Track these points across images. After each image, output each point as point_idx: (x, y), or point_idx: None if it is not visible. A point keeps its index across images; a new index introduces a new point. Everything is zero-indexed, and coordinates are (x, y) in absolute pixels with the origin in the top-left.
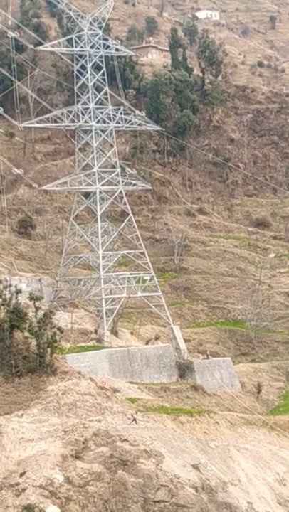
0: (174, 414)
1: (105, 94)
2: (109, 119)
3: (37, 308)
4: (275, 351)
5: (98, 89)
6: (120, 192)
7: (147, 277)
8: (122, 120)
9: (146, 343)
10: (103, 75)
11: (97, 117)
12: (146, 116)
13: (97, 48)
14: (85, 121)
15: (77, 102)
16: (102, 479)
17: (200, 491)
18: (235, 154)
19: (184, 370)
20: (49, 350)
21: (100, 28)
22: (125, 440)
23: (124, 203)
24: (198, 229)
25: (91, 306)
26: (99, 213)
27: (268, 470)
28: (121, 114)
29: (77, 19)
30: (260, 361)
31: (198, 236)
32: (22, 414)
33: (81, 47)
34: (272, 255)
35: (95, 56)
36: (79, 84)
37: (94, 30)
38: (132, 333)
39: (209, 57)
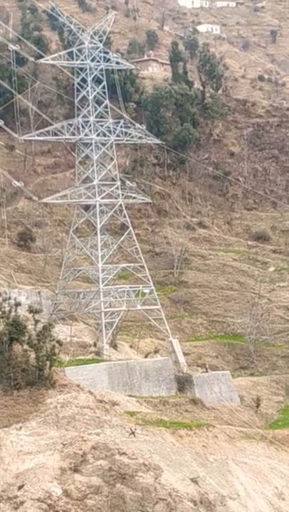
0: (172, 428)
1: (106, 107)
2: (110, 132)
3: (36, 321)
4: (274, 365)
5: (98, 103)
6: (120, 205)
7: (147, 290)
8: (122, 133)
9: (146, 357)
10: (104, 88)
11: (97, 130)
12: (147, 129)
13: (98, 61)
14: (85, 135)
15: (78, 115)
16: (101, 492)
17: (198, 505)
18: (235, 168)
19: (183, 383)
20: (48, 363)
21: (101, 41)
22: (124, 453)
23: (124, 216)
24: (198, 242)
25: (90, 319)
26: (99, 226)
27: (267, 484)
28: (121, 127)
29: (78, 32)
30: (259, 375)
31: (197, 249)
32: (21, 427)
33: (82, 60)
34: (271, 269)
35: (96, 69)
36: (79, 98)
37: (95, 44)
38: (131, 347)
39: (210, 70)
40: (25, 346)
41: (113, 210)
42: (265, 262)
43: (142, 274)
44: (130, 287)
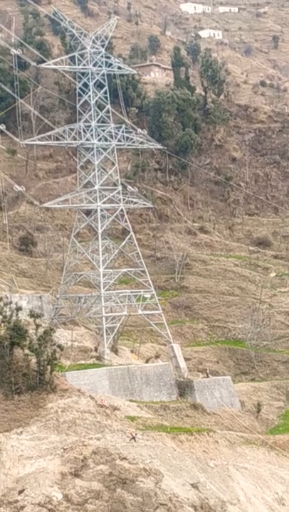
0: (173, 433)
1: (107, 112)
2: (111, 137)
3: (37, 326)
4: (275, 370)
5: (100, 107)
6: (121, 210)
7: (148, 295)
8: (123, 138)
9: (146, 362)
10: (105, 93)
11: (99, 135)
12: (148, 134)
13: (100, 66)
14: (87, 139)
15: (79, 119)
16: (101, 497)
17: (199, 510)
18: (236, 173)
19: (184, 388)
20: (49, 367)
21: (103, 46)
22: (124, 458)
23: (126, 221)
24: (199, 247)
25: (91, 323)
26: (100, 231)
27: (267, 489)
28: (123, 132)
29: (80, 37)
30: (260, 380)
31: (199, 255)
32: (21, 432)
33: (84, 65)
34: (272, 274)
35: (98, 74)
36: (81, 102)
37: (97, 49)
38: (132, 351)
39: (212, 76)
40: (27, 351)
41: (114, 214)
42: (266, 267)
43: (143, 279)
44: (131, 292)
